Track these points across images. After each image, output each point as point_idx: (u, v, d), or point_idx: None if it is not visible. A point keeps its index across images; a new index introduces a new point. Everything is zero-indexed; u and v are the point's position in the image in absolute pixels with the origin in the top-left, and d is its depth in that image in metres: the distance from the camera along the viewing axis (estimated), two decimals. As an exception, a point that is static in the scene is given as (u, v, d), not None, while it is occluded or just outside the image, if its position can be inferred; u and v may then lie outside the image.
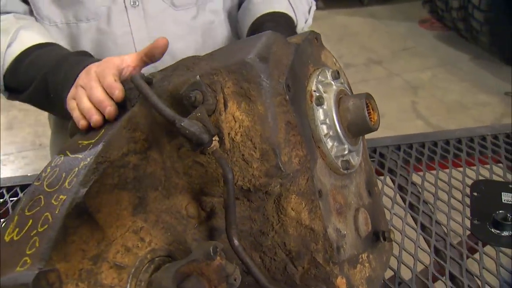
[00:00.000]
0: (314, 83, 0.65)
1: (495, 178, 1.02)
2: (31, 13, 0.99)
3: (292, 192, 0.60)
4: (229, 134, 0.59)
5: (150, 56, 0.72)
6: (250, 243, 0.64)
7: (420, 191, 0.99)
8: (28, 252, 0.51)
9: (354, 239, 0.67)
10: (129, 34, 0.99)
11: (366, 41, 4.31)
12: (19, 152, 3.06)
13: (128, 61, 0.73)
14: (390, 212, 0.94)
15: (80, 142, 0.64)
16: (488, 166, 1.06)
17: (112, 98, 0.67)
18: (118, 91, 0.66)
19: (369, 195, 0.74)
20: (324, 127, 0.64)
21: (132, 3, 0.97)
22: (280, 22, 0.99)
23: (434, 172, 1.06)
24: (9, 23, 0.94)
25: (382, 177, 1.03)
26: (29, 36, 0.92)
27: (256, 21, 1.00)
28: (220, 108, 0.59)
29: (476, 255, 0.84)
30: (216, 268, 0.54)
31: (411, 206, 0.96)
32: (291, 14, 1.03)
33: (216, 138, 0.57)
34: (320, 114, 0.64)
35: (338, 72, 0.69)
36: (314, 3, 1.14)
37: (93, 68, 0.73)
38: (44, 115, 3.38)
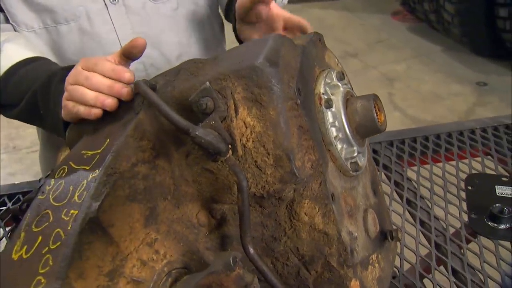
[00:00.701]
0: (322, 85, 0.64)
1: (487, 171, 1.04)
2: (6, 20, 0.95)
3: (305, 197, 0.60)
4: (240, 140, 0.58)
5: (128, 55, 0.70)
6: (261, 249, 0.63)
7: (416, 186, 1.00)
8: (41, 271, 0.49)
9: (364, 240, 0.66)
10: (113, 32, 0.97)
11: (341, 34, 4.34)
12: (-8, 156, 2.97)
13: (110, 59, 0.70)
14: (389, 209, 0.95)
15: (84, 152, 0.62)
16: (479, 159, 1.08)
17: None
18: (128, 73, 0.64)
19: (374, 194, 0.74)
20: (334, 129, 0.63)
21: (111, 0, 0.94)
22: None
23: (427, 166, 1.07)
24: None
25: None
26: (16, 50, 0.89)
27: None
28: (231, 114, 0.58)
29: (476, 249, 0.85)
30: (235, 279, 0.53)
31: (409, 202, 0.97)
32: None
33: (229, 146, 0.56)
34: (329, 116, 0.63)
35: (342, 73, 0.69)
36: None
37: (78, 66, 0.70)
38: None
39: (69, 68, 0.83)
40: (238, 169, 0.55)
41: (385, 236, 0.72)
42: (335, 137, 0.63)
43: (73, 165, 0.61)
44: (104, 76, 0.66)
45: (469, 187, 0.99)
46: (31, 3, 0.92)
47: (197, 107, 0.56)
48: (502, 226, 0.88)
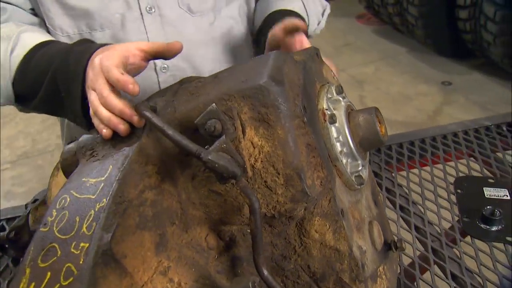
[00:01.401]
0: (325, 101, 0.64)
1: (473, 173, 1.07)
2: (40, 25, 0.96)
3: (315, 214, 0.59)
4: (249, 161, 0.57)
5: (160, 55, 0.70)
6: (271, 268, 0.62)
7: (408, 192, 1.02)
8: (55, 310, 0.47)
9: (372, 254, 0.67)
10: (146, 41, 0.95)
11: (308, 39, 4.38)
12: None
13: (132, 50, 0.69)
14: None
15: (85, 180, 0.60)
16: (464, 161, 1.10)
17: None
18: (131, 85, 0.62)
19: (375, 205, 0.75)
20: (338, 144, 0.63)
21: (148, 9, 0.94)
22: None
23: (415, 171, 1.08)
24: (9, 30, 0.89)
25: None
26: (30, 37, 0.88)
27: (268, 18, 0.98)
28: (238, 135, 0.57)
29: (472, 252, 0.87)
30: (254, 302, 0.52)
31: (402, 208, 0.98)
32: (303, 14, 1.02)
33: None
34: (333, 132, 0.63)
35: (341, 87, 0.69)
36: (328, 6, 1.13)
37: (96, 60, 0.68)
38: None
39: (82, 42, 0.83)
40: (250, 191, 0.55)
41: (389, 247, 0.72)
42: (340, 152, 0.63)
43: (75, 194, 0.58)
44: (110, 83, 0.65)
45: (459, 191, 1.01)
46: (69, 8, 0.92)
47: (204, 129, 0.55)
48: (494, 228, 0.90)
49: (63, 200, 0.59)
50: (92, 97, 0.67)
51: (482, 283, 0.81)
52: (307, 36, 1.01)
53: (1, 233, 0.93)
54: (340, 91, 0.68)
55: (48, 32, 0.95)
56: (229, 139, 0.55)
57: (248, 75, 0.60)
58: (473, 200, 0.97)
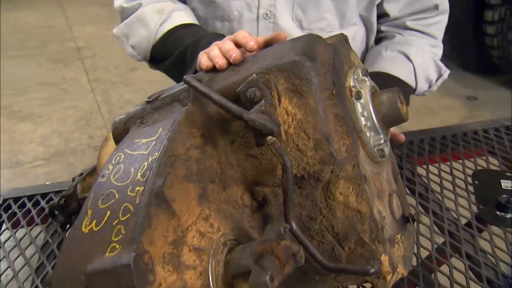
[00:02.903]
0: (352, 79, 0.71)
1: (492, 168, 1.11)
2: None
3: (341, 177, 0.66)
4: (283, 126, 0.65)
5: (268, 44, 0.80)
6: (300, 228, 0.69)
7: (427, 181, 1.07)
8: (114, 239, 0.55)
9: (391, 221, 0.73)
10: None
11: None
12: (-5, 170, 3.00)
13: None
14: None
15: (137, 141, 0.68)
16: (484, 157, 1.15)
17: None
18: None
19: (395, 181, 0.81)
20: (363, 119, 0.70)
21: (264, 15, 1.03)
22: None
23: (436, 165, 1.14)
24: (166, 5, 1.06)
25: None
26: (179, 16, 1.04)
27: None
28: (274, 103, 0.65)
29: (487, 236, 0.92)
30: (284, 248, 0.59)
31: (420, 195, 1.03)
32: (411, 81, 1.07)
33: None
34: (359, 107, 0.70)
35: (366, 70, 0.76)
36: (447, 72, 1.16)
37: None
38: (18, 132, 3.34)
39: (216, 35, 0.98)
40: (284, 151, 0.62)
41: (407, 219, 0.78)
42: (364, 126, 0.70)
43: (129, 151, 0.67)
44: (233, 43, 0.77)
45: (476, 182, 1.06)
46: None
47: (245, 96, 0.63)
48: (509, 215, 0.95)
49: (118, 157, 0.67)
50: (212, 46, 0.79)
51: (495, 263, 0.86)
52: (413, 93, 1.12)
53: (52, 201, 1.03)
54: (365, 73, 0.75)
55: None
56: (268, 104, 0.62)
57: (284, 53, 0.68)
58: (490, 191, 1.02)
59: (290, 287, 0.76)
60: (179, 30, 1.02)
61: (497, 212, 0.96)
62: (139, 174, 0.60)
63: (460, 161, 1.14)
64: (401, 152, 1.18)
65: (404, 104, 0.74)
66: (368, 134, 0.71)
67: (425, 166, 1.13)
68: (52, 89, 3.91)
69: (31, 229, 1.00)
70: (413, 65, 1.08)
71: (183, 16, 1.05)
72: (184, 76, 0.70)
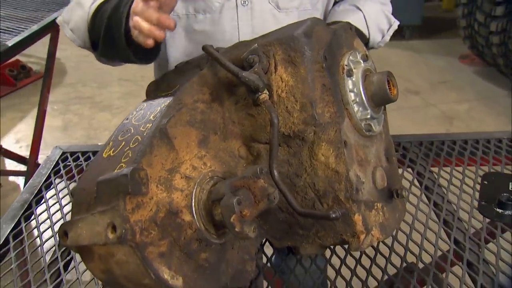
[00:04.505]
0: (347, 60, 0.81)
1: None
2: None
3: (323, 140, 0.76)
4: (276, 91, 0.77)
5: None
6: (286, 184, 0.80)
7: (436, 177, 1.13)
8: (123, 161, 0.69)
9: (371, 188, 0.81)
10: (236, 29, 1.13)
11: (404, 72, 4.44)
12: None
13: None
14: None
15: (159, 94, 0.83)
16: (501, 164, 1.18)
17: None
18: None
19: (387, 161, 0.89)
20: (352, 94, 0.80)
21: (242, 2, 1.12)
22: None
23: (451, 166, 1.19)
24: None
25: (403, 167, 1.17)
26: None
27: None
28: (271, 70, 0.77)
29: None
30: (260, 187, 0.70)
31: (427, 188, 1.09)
32: (362, 27, 1.15)
33: (266, 92, 0.74)
34: (349, 83, 0.80)
35: (367, 56, 0.86)
36: (396, 23, 1.23)
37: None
38: (96, 120, 3.67)
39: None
40: (272, 109, 0.73)
41: (392, 194, 0.86)
42: (353, 100, 0.80)
43: (150, 101, 0.81)
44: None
45: (485, 182, 1.10)
46: None
47: (246, 61, 0.76)
48: (508, 212, 0.99)
49: (141, 105, 0.82)
50: (135, 18, 0.84)
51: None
52: (368, 47, 1.17)
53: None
54: (365, 58, 0.85)
55: None
56: (261, 67, 0.74)
57: (288, 31, 0.79)
58: (496, 191, 1.06)
59: (279, 239, 0.86)
60: (103, 5, 1.00)
61: (497, 209, 1.00)
62: (152, 116, 0.75)
63: (475, 165, 1.18)
64: (419, 150, 1.24)
65: (395, 87, 0.83)
66: (356, 109, 0.80)
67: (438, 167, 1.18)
68: (131, 84, 4.25)
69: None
70: (363, 14, 1.15)
71: None
72: (204, 44, 0.83)
